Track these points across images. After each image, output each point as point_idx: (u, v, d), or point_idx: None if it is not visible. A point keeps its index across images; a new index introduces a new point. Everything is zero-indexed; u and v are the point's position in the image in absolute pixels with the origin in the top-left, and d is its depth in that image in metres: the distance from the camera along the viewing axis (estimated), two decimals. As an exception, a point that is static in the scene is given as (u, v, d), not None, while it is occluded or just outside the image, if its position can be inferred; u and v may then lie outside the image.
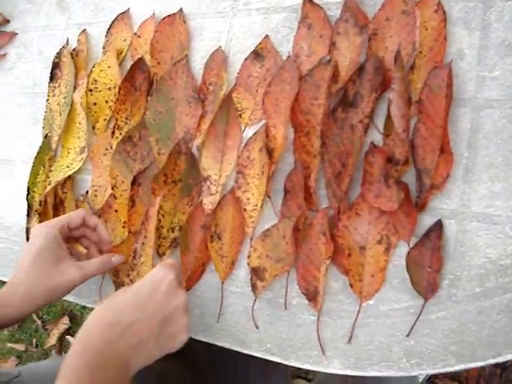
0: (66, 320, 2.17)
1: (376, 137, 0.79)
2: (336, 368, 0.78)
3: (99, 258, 0.87)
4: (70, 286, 0.82)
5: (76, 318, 2.19)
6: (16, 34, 1.18)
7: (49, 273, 0.80)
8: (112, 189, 0.96)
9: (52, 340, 2.17)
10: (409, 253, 0.75)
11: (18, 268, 0.82)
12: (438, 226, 0.73)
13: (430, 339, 0.73)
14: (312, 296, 0.80)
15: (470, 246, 0.72)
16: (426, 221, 0.75)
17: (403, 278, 0.75)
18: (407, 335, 0.74)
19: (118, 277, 0.94)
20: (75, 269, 0.82)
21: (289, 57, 0.86)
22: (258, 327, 0.84)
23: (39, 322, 2.25)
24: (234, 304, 0.86)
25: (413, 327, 0.74)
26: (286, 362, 0.82)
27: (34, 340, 2.27)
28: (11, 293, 0.79)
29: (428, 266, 0.73)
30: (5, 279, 1.09)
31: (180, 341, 0.73)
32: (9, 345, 2.28)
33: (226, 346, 0.86)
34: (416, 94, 0.77)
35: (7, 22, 1.20)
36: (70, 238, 0.90)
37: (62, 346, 2.19)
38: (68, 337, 2.16)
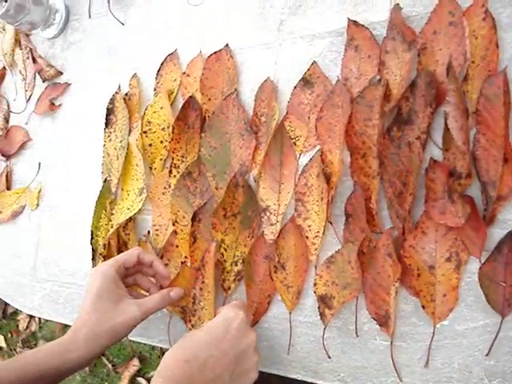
0: (136, 362, 2.19)
1: (435, 152, 0.77)
2: (415, 393, 0.75)
3: (158, 293, 0.88)
4: (132, 324, 0.82)
5: (146, 359, 2.20)
6: (69, 84, 1.22)
7: (109, 313, 0.81)
8: (173, 224, 0.97)
9: (123, 383, 2.18)
10: (480, 268, 0.72)
11: (81, 311, 0.83)
12: (509, 238, 0.71)
13: (511, 357, 0.70)
14: (383, 321, 0.78)
15: (545, 256, 0.69)
16: (496, 234, 0.72)
17: (477, 295, 0.72)
18: (487, 354, 0.71)
19: (185, 314, 0.94)
20: (135, 306, 0.83)
21: (338, 80, 0.85)
22: (329, 356, 0.82)
23: (110, 366, 2.27)
24: (303, 334, 0.85)
25: (492, 346, 0.71)
26: (362, 391, 0.80)
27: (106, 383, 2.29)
28: (74, 337, 0.80)
29: (502, 281, 0.70)
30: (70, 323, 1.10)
31: (251, 378, 0.74)
32: (80, 391, 2.31)
33: (299, 377, 0.84)
34: (472, 105, 0.75)
35: (60, 74, 1.24)
36: (129, 277, 0.91)
37: (133, 389, 2.21)
38: (139, 378, 2.17)
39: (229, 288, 0.91)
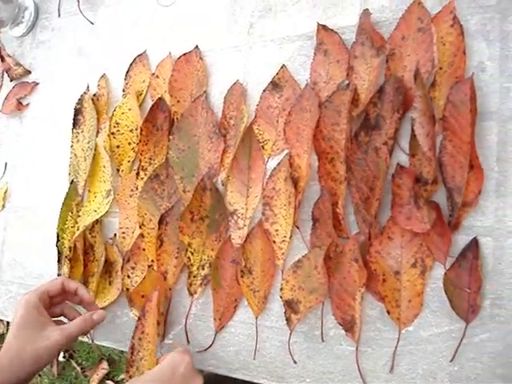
0: (104, 365, 2.17)
1: (402, 158, 0.77)
2: (379, 399, 0.75)
3: (80, 317, 0.87)
4: (55, 349, 0.82)
5: (115, 362, 2.18)
6: (37, 83, 1.20)
7: (32, 339, 0.81)
8: (140, 227, 0.95)
9: (93, 386, 2.17)
10: (445, 274, 0.72)
11: (5, 341, 0.83)
12: (474, 244, 0.71)
13: (475, 363, 0.70)
14: (349, 326, 0.77)
15: (509, 262, 0.70)
16: (461, 240, 0.72)
17: (442, 301, 0.72)
18: (451, 360, 0.71)
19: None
20: (57, 331, 0.82)
21: (307, 84, 0.85)
22: (295, 362, 0.81)
23: (78, 369, 2.24)
24: (269, 339, 0.84)
25: (456, 351, 0.71)
26: (327, 396, 0.79)
27: (75, 387, 2.27)
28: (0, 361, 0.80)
29: (467, 287, 0.70)
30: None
31: None
32: (51, 393, 2.28)
33: (265, 383, 0.83)
34: (439, 111, 0.75)
35: (28, 72, 1.22)
36: (56, 307, 0.91)
37: (101, 392, 2.18)
38: (108, 381, 2.15)
39: (195, 292, 0.90)
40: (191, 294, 0.90)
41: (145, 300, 0.92)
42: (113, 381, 2.14)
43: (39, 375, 2.32)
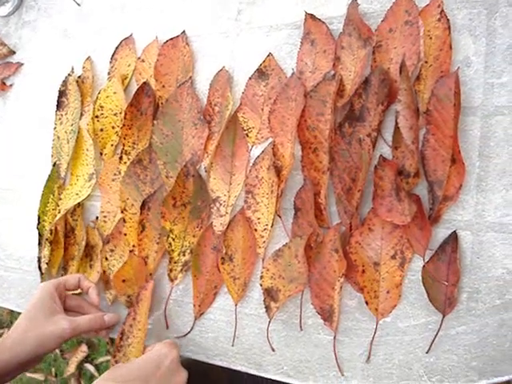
0: (84, 348, 2.16)
1: (385, 150, 0.78)
2: (355, 388, 0.76)
3: (92, 314, 0.88)
4: (60, 336, 0.82)
5: (94, 345, 2.17)
6: (22, 64, 1.19)
7: (40, 322, 0.82)
8: (122, 212, 0.95)
9: (71, 368, 2.16)
10: (424, 267, 0.73)
11: (16, 321, 0.84)
12: (453, 238, 0.72)
13: (450, 355, 0.71)
14: (327, 315, 0.78)
15: (487, 257, 0.71)
16: (441, 233, 0.73)
17: (420, 293, 0.73)
18: (427, 352, 0.72)
19: (131, 303, 0.93)
20: (65, 321, 0.83)
21: (293, 73, 0.85)
22: (273, 349, 0.82)
23: (58, 351, 2.23)
24: (248, 326, 0.84)
25: (432, 343, 0.72)
26: (303, 384, 0.80)
27: (53, 369, 2.26)
28: (2, 342, 0.80)
29: (445, 280, 0.71)
30: (19, 310, 1.08)
31: None
32: (28, 375, 2.27)
33: (243, 369, 0.84)
34: (424, 105, 0.75)
35: (13, 53, 1.20)
36: (72, 300, 0.92)
37: (81, 374, 2.17)
38: (87, 364, 2.15)
39: (175, 278, 0.90)
40: (171, 280, 0.90)
41: (125, 285, 0.92)
42: (92, 364, 2.14)
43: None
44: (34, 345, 0.80)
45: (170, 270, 0.90)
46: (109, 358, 2.09)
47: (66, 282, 0.90)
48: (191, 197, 0.89)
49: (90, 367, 2.13)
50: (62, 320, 0.83)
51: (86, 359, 2.16)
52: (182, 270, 0.90)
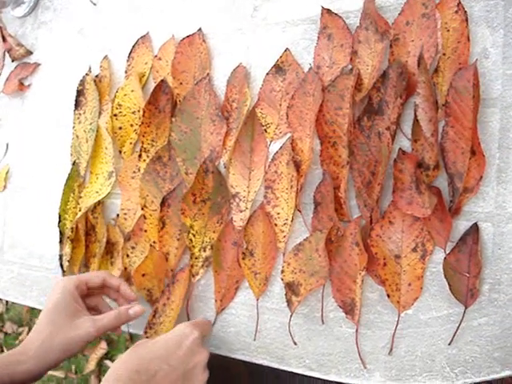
0: (103, 345, 2.18)
1: (404, 143, 0.78)
2: (378, 381, 0.76)
3: (115, 310, 0.87)
4: (85, 340, 0.82)
5: (113, 342, 2.19)
6: (39, 64, 1.20)
7: (63, 327, 0.81)
8: (142, 209, 0.96)
9: (91, 365, 2.18)
10: (445, 259, 0.73)
11: (36, 323, 0.83)
12: (474, 229, 0.72)
13: (473, 346, 0.71)
14: (349, 308, 0.78)
15: (509, 248, 0.71)
16: (462, 225, 0.73)
17: (442, 285, 0.73)
18: (449, 343, 0.72)
19: (151, 297, 0.94)
20: (89, 322, 0.82)
21: (310, 68, 0.85)
22: (295, 343, 0.83)
23: (78, 349, 2.26)
24: (270, 320, 0.85)
25: (455, 335, 0.72)
26: (325, 377, 0.80)
27: (73, 366, 2.28)
28: (26, 350, 0.80)
29: (466, 272, 0.71)
30: (41, 307, 1.09)
31: None
32: (49, 372, 2.28)
33: (265, 363, 0.85)
34: (442, 97, 0.75)
35: (30, 53, 1.22)
36: (92, 297, 0.91)
37: (101, 371, 2.19)
38: (106, 361, 2.17)
39: (197, 274, 0.91)
40: (193, 276, 0.91)
41: (145, 279, 0.94)
42: (111, 360, 2.16)
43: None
44: (59, 351, 0.80)
45: (192, 266, 0.91)
46: (128, 354, 2.11)
47: (89, 281, 0.88)
48: (211, 193, 0.90)
49: (109, 364, 2.15)
50: (87, 322, 0.82)
51: (106, 356, 2.18)
52: (203, 265, 0.90)
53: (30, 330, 2.39)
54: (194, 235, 0.90)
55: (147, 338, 0.90)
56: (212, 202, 0.90)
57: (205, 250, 0.90)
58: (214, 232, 0.90)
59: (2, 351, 2.49)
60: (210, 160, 0.90)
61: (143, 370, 0.71)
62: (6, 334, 2.52)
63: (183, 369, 0.74)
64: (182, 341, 0.77)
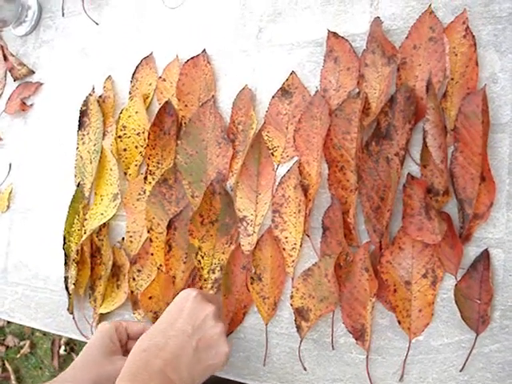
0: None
1: (413, 168, 0.78)
2: (390, 407, 0.76)
3: None
4: (115, 376, 0.81)
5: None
6: (41, 84, 1.19)
7: (97, 361, 0.81)
8: (148, 232, 0.96)
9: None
10: (456, 285, 0.73)
11: (73, 361, 0.84)
12: (485, 256, 0.71)
13: (485, 373, 0.71)
14: (359, 334, 0.78)
15: (520, 274, 0.70)
16: (472, 251, 0.73)
17: (453, 311, 0.73)
18: (461, 370, 0.72)
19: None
20: (123, 361, 0.80)
21: (317, 92, 0.85)
22: (305, 368, 0.82)
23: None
24: (279, 346, 0.85)
25: (466, 361, 0.72)
26: (337, 403, 0.80)
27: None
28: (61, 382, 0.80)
29: (477, 298, 0.71)
30: (46, 329, 1.09)
31: (221, 352, 0.75)
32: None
33: (275, 388, 0.84)
34: (451, 122, 0.75)
35: (32, 72, 1.21)
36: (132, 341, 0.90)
37: None
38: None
39: (205, 297, 0.90)
40: None
41: (152, 302, 0.93)
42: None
43: (40, 368, 2.33)
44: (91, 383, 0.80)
45: (201, 288, 0.90)
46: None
47: (129, 328, 0.88)
48: (219, 214, 0.90)
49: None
50: (120, 360, 0.81)
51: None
52: (212, 287, 0.90)
53: (31, 343, 2.38)
54: (203, 257, 0.90)
55: None
56: (220, 223, 0.90)
57: (214, 272, 0.90)
58: (223, 253, 0.90)
59: (4, 365, 2.48)
60: (217, 181, 0.89)
61: (150, 346, 0.71)
62: (7, 347, 2.51)
63: (192, 327, 0.74)
64: (183, 304, 0.77)
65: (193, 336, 0.73)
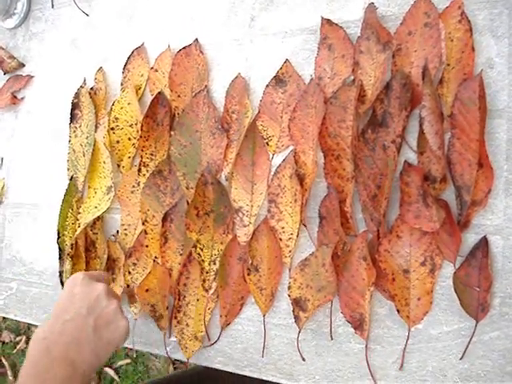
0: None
1: (410, 155, 0.77)
2: (390, 396, 0.76)
3: None
4: None
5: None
6: (32, 76, 1.18)
7: None
8: (143, 224, 0.95)
9: (91, 373, 2.16)
10: (455, 273, 0.72)
11: None
12: (484, 243, 0.71)
13: (485, 360, 0.70)
14: (358, 324, 0.77)
15: (519, 261, 0.70)
16: (471, 239, 0.72)
17: (452, 299, 0.73)
18: (461, 358, 0.72)
19: (155, 312, 0.92)
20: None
21: (312, 80, 0.84)
22: (304, 359, 0.82)
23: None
24: (277, 337, 0.84)
25: (466, 349, 0.71)
26: (336, 393, 0.80)
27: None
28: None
29: (476, 286, 0.71)
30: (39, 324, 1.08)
31: (121, 326, 0.79)
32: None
33: (274, 380, 0.84)
34: (447, 108, 0.74)
35: (22, 65, 1.20)
36: None
37: (101, 378, 2.18)
38: (106, 368, 2.16)
39: (210, 288, 0.89)
40: (206, 290, 0.89)
41: (148, 295, 0.93)
42: (111, 368, 2.15)
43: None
44: None
45: (204, 281, 0.89)
46: (128, 361, 2.10)
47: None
48: (213, 204, 0.89)
49: (109, 371, 2.14)
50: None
51: (106, 363, 2.17)
52: (215, 278, 0.89)
53: (27, 338, 2.37)
54: (202, 249, 0.89)
55: (178, 322, 0.91)
56: (215, 213, 0.89)
57: (215, 263, 0.89)
58: (221, 243, 0.89)
59: (0, 361, 2.48)
60: (209, 171, 0.88)
61: (48, 334, 0.74)
62: (3, 343, 2.51)
63: (86, 309, 0.77)
64: (72, 288, 0.80)
65: (89, 316, 0.76)
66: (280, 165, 0.85)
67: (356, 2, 0.83)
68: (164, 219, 0.92)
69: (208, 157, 0.91)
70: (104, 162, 1.01)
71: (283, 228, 0.84)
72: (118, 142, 1.01)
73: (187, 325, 0.90)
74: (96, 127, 1.04)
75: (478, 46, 0.74)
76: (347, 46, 0.82)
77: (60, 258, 1.03)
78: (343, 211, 0.79)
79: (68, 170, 1.07)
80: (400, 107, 0.76)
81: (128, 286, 0.96)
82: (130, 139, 1.00)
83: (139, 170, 0.97)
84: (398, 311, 0.75)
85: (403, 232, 0.75)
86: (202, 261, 0.89)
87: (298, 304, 0.81)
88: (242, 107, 0.90)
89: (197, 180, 0.90)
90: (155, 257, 0.93)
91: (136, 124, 0.99)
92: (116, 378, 2.12)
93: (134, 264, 0.96)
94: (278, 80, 0.87)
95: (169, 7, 1.01)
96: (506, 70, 0.72)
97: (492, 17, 0.74)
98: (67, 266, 1.01)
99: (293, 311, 0.81)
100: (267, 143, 0.87)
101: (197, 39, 0.96)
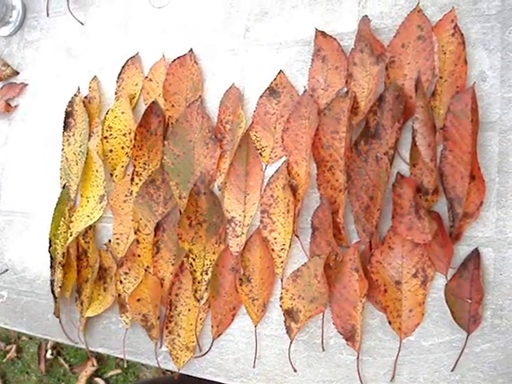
0: (93, 362, 2.15)
1: (402, 167, 0.77)
2: (381, 408, 0.75)
3: None
4: None
5: (103, 359, 2.17)
6: (26, 84, 1.18)
7: None
8: (135, 233, 0.94)
9: (80, 383, 2.15)
10: (447, 285, 0.72)
11: None
12: (475, 255, 0.71)
13: (476, 372, 0.71)
14: (349, 335, 0.77)
15: (510, 273, 0.70)
16: (462, 250, 0.73)
17: (443, 311, 0.73)
18: (452, 370, 0.72)
19: (147, 322, 0.92)
20: None
21: (305, 91, 0.84)
22: (295, 370, 0.81)
23: (67, 366, 2.23)
24: (269, 347, 0.84)
25: (457, 361, 0.71)
26: (327, 405, 0.79)
27: (63, 384, 2.26)
28: None
29: (468, 298, 0.71)
30: (32, 333, 1.08)
31: None
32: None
33: (265, 391, 0.84)
34: (440, 121, 0.75)
35: (16, 73, 1.20)
36: None
37: (92, 389, 2.17)
38: (97, 379, 2.14)
39: (201, 298, 0.89)
40: (198, 300, 0.89)
41: (140, 304, 0.92)
42: (101, 378, 2.13)
43: (27, 373, 2.31)
44: None
45: (195, 291, 0.89)
46: (119, 371, 2.09)
47: None
48: (206, 214, 0.89)
49: (100, 381, 2.13)
50: None
51: (96, 373, 2.16)
52: (206, 288, 0.89)
53: (18, 347, 2.35)
54: (194, 259, 0.89)
55: (169, 332, 0.91)
56: (208, 223, 0.89)
57: (207, 273, 0.89)
58: (213, 253, 0.89)
59: (-10, 370, 2.47)
60: (202, 181, 0.88)
61: None
62: (-7, 352, 2.50)
63: None
64: None
65: None
66: (273, 175, 0.85)
67: (350, 14, 0.84)
68: (156, 229, 0.91)
69: (201, 167, 0.91)
70: (97, 171, 1.01)
71: (276, 239, 0.84)
72: (111, 150, 1.01)
73: (178, 335, 0.90)
74: (89, 136, 1.04)
75: (470, 59, 0.75)
76: (341, 57, 0.83)
77: (51, 266, 1.02)
78: (336, 222, 0.79)
79: (61, 178, 1.06)
80: (393, 119, 0.76)
81: (119, 295, 0.96)
82: (123, 148, 1.00)
83: (132, 179, 0.96)
84: (389, 323, 0.75)
85: (395, 243, 0.75)
86: (194, 271, 0.89)
87: (289, 315, 0.81)
88: (236, 117, 0.90)
89: (190, 190, 0.90)
90: (147, 266, 0.93)
91: (129, 133, 0.99)
92: (107, 388, 2.12)
93: (126, 273, 0.96)
94: (272, 91, 0.88)
95: (164, 17, 1.02)
96: (499, 83, 0.73)
97: (485, 30, 0.74)
98: (58, 274, 1.00)
99: (284, 322, 0.81)
100: (260, 154, 0.88)
101: (191, 49, 0.96)
